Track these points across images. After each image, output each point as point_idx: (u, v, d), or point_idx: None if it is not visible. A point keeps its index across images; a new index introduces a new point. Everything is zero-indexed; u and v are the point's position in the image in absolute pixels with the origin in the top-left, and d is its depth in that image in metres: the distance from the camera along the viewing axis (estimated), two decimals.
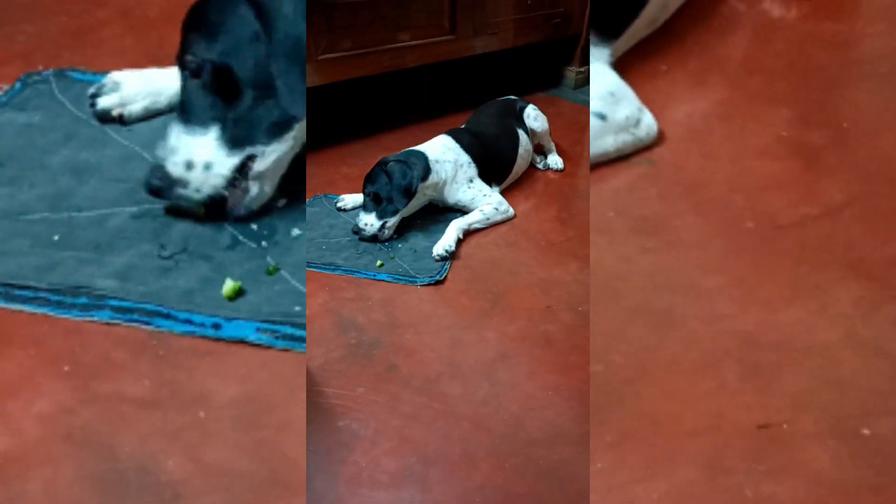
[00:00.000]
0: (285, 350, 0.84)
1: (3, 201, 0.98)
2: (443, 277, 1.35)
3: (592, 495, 0.72)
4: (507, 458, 0.92)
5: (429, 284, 1.33)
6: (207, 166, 0.93)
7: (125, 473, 0.73)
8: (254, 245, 0.95)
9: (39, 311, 0.86)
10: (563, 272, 1.38)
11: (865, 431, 0.74)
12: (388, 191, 1.41)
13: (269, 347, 0.84)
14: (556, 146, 1.99)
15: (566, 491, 0.87)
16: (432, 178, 1.51)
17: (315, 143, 1.92)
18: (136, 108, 1.10)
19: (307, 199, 1.64)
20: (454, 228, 1.48)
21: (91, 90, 1.11)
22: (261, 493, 0.72)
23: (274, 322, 0.86)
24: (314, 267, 1.37)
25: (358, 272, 1.36)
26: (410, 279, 1.34)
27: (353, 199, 1.63)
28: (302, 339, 0.86)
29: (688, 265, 0.86)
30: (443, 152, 1.56)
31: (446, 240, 1.44)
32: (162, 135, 0.98)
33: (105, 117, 1.10)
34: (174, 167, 0.92)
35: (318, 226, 1.54)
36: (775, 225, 0.91)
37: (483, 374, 1.08)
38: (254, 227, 0.98)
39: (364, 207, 1.46)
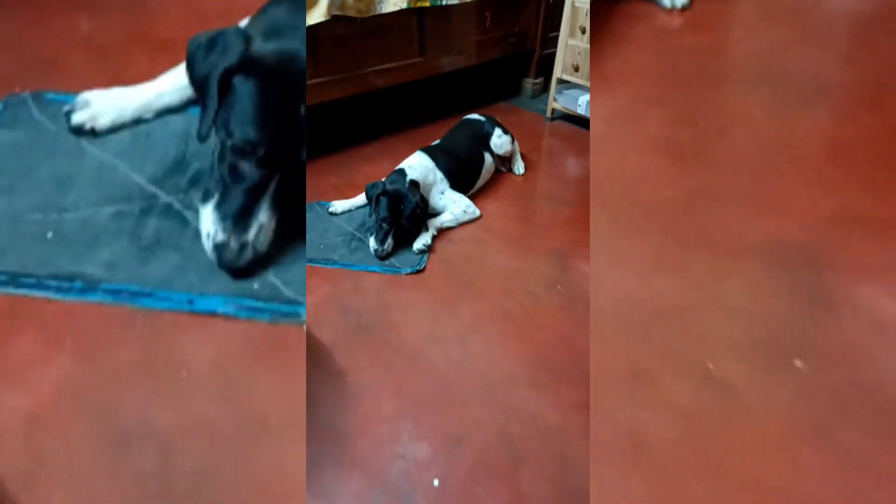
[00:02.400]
0: (249, 319, 0.97)
1: (3, 207, 1.10)
2: (423, 267, 1.64)
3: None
4: (475, 397, 1.23)
5: (411, 273, 1.62)
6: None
7: (125, 425, 0.85)
8: None
9: (42, 294, 0.98)
10: (519, 261, 1.69)
11: (712, 369, 0.86)
12: (397, 219, 1.65)
13: (234, 318, 0.97)
14: (518, 149, 2.28)
15: (520, 417, 1.18)
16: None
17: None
18: (104, 121, 1.22)
19: None
20: (430, 228, 1.78)
21: (65, 108, 1.22)
22: (238, 437, 0.84)
23: (237, 296, 0.99)
24: (315, 263, 1.64)
25: (352, 266, 1.64)
26: (396, 269, 1.63)
27: (342, 205, 1.91)
28: (259, 310, 0.98)
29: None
30: (423, 172, 1.83)
31: (424, 237, 1.73)
32: (129, 145, 1.13)
33: (79, 131, 1.21)
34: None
35: (314, 229, 1.81)
36: (644, 208, 1.04)
37: (458, 341, 1.38)
38: None
39: (377, 234, 1.65)
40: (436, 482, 1.04)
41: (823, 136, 1.15)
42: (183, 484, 0.81)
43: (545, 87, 2.95)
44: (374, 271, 1.63)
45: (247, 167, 0.99)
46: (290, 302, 1.00)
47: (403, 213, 1.67)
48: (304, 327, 0.99)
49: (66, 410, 0.86)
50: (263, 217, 1.01)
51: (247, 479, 0.82)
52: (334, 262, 1.64)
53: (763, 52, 1.31)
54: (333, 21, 1.92)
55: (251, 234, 1.00)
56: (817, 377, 0.84)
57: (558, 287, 1.57)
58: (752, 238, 1.00)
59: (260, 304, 0.99)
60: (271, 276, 1.02)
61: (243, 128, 0.97)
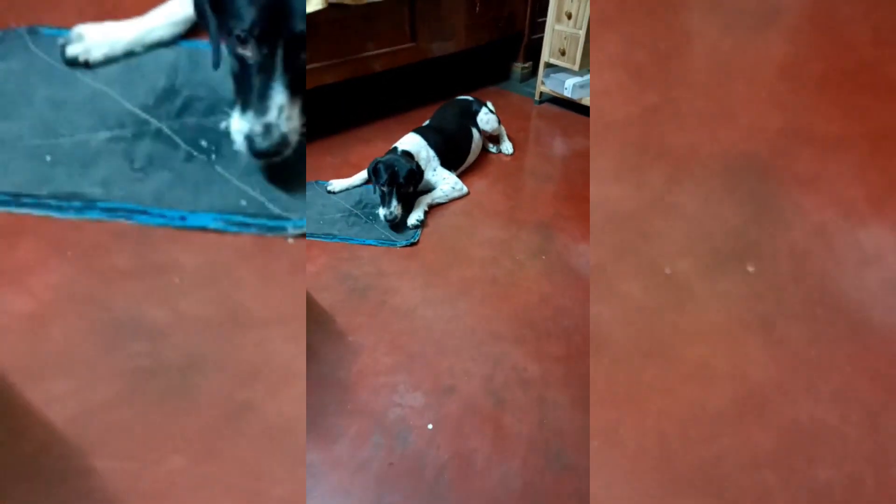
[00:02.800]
0: (237, 234, 1.03)
1: (3, 132, 1.14)
2: (416, 240, 1.75)
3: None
4: (464, 351, 1.34)
5: (406, 246, 1.73)
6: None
7: (121, 322, 0.90)
8: (204, 158, 1.13)
9: (43, 213, 1.03)
10: (505, 232, 1.80)
11: (667, 270, 0.91)
12: (395, 181, 1.77)
13: (224, 232, 1.03)
14: (506, 131, 2.38)
15: (504, 367, 1.30)
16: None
17: None
18: (97, 54, 1.27)
19: None
20: (422, 203, 1.88)
21: (60, 41, 1.27)
22: (224, 330, 0.91)
23: (226, 212, 1.06)
24: (315, 237, 1.74)
25: (350, 239, 1.74)
26: (391, 242, 1.73)
27: (340, 184, 2.01)
28: (247, 225, 1.04)
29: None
30: (415, 149, 1.94)
31: (416, 212, 1.84)
32: (122, 76, 1.20)
33: (73, 63, 1.25)
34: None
35: (313, 205, 1.91)
36: (605, 122, 1.08)
37: (448, 303, 1.49)
38: (203, 143, 1.15)
39: (382, 201, 1.80)
40: (430, 426, 1.16)
41: (775, 58, 1.22)
42: (174, 370, 0.88)
43: (533, 72, 3.04)
44: (370, 244, 1.73)
45: (249, 52, 1.05)
46: (275, 217, 1.07)
47: (399, 175, 1.78)
48: (290, 239, 1.04)
49: (65, 310, 0.90)
50: (279, 98, 1.06)
51: (235, 365, 0.88)
52: (333, 237, 1.75)
53: None
54: (329, 8, 2.00)
55: (272, 115, 1.06)
56: (764, 276, 0.90)
57: (542, 257, 1.68)
58: (706, 150, 1.06)
59: (247, 220, 1.06)
60: (258, 194, 1.10)
61: (238, 18, 1.04)
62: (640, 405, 0.83)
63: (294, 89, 1.09)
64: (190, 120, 1.20)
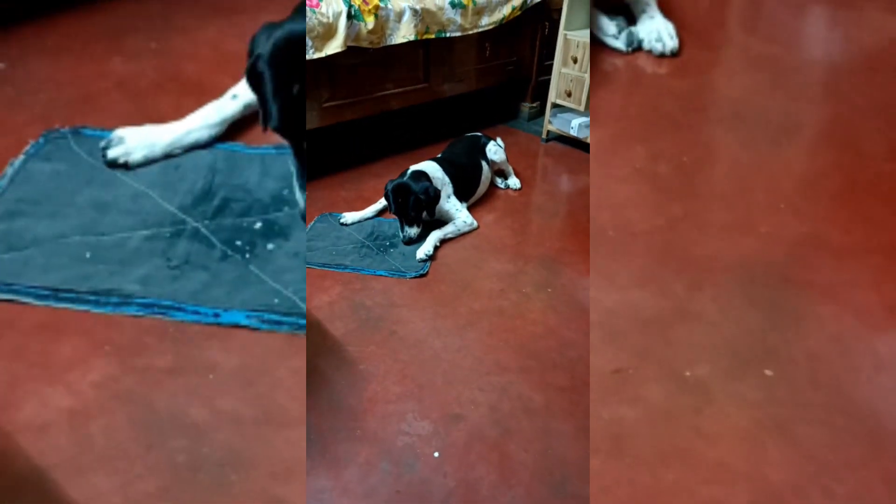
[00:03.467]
0: (270, 332, 1.08)
1: (46, 230, 1.21)
2: (426, 272, 1.81)
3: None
4: (471, 381, 1.38)
5: (415, 277, 1.79)
6: None
7: (161, 419, 0.95)
8: (239, 257, 1.19)
9: (82, 308, 1.08)
10: (512, 266, 1.86)
11: (687, 374, 0.94)
12: (405, 211, 1.90)
13: (256, 329, 1.08)
14: (514, 169, 2.47)
15: (509, 397, 1.34)
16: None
17: (319, 172, 2.39)
18: (137, 156, 1.34)
19: (315, 217, 2.10)
20: (432, 238, 1.95)
21: (102, 144, 1.34)
22: (260, 428, 0.95)
23: (259, 310, 1.10)
24: (328, 267, 1.81)
25: (362, 270, 1.81)
26: (402, 273, 1.80)
27: (352, 216, 2.09)
28: (280, 323, 1.09)
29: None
30: (431, 171, 2.04)
31: (426, 246, 1.91)
32: (160, 177, 1.28)
33: (114, 164, 1.33)
34: None
35: (327, 238, 1.99)
36: (630, 232, 1.14)
37: (457, 334, 1.54)
38: (238, 243, 1.21)
39: (400, 225, 1.94)
40: (436, 454, 1.19)
41: (794, 171, 1.27)
42: (212, 466, 0.92)
43: (541, 111, 3.15)
44: (381, 275, 1.79)
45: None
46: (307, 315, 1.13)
47: (409, 203, 1.89)
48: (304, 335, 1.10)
49: (106, 407, 0.95)
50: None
51: (270, 462, 0.92)
52: (345, 267, 1.81)
53: (741, 96, 1.44)
54: (348, 51, 2.13)
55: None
56: (782, 381, 0.93)
57: (548, 290, 1.73)
58: (727, 259, 1.11)
59: (279, 318, 1.10)
60: (290, 293, 1.15)
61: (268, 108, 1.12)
62: None
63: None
64: (226, 220, 1.25)
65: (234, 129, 1.43)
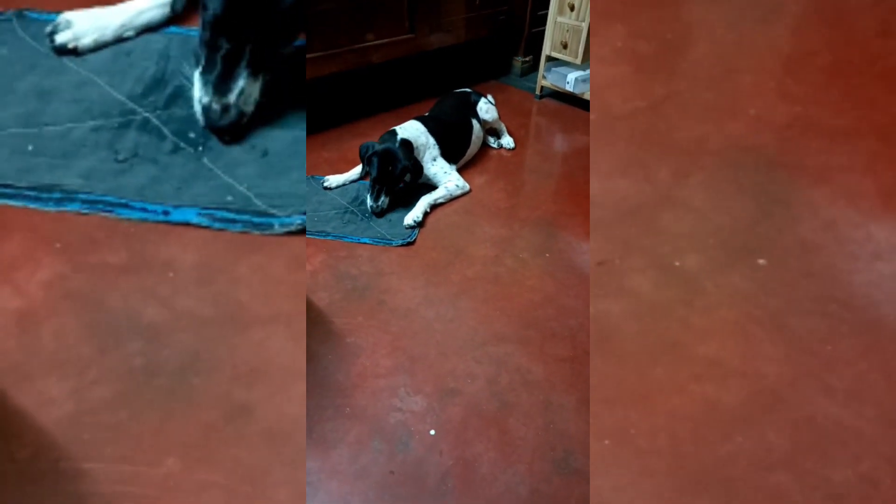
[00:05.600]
0: (221, 230, 1.00)
1: None
2: (413, 240, 1.71)
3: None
4: (467, 353, 1.30)
5: (402, 246, 1.68)
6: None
7: (116, 320, 0.88)
8: (191, 150, 1.10)
9: (21, 204, 1.01)
10: (507, 230, 1.77)
11: (676, 264, 0.90)
12: (388, 180, 1.77)
13: (208, 228, 1.00)
14: (506, 127, 2.35)
15: (508, 369, 1.27)
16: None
17: None
18: (87, 41, 1.24)
19: None
20: (422, 203, 1.84)
21: (48, 28, 1.24)
22: (221, 329, 0.88)
23: (211, 208, 1.02)
24: (309, 234, 1.70)
25: (345, 237, 1.70)
26: (387, 241, 1.69)
27: (335, 179, 1.96)
28: (233, 221, 1.01)
29: None
30: (415, 134, 1.90)
31: (415, 212, 1.79)
32: (110, 64, 1.18)
33: (62, 50, 1.23)
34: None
35: (308, 202, 1.86)
36: (612, 115, 1.08)
37: (449, 303, 1.46)
38: (191, 135, 1.12)
39: (371, 192, 1.79)
40: (432, 432, 1.12)
41: (781, 50, 1.21)
42: (171, 371, 0.85)
43: (534, 66, 3.00)
44: (365, 243, 1.69)
45: (221, 39, 1.05)
46: (262, 214, 1.03)
47: (394, 173, 1.75)
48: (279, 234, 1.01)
49: (56, 308, 0.88)
50: (243, 82, 1.07)
51: (233, 365, 0.86)
52: (327, 234, 1.70)
53: None
54: None
55: (232, 96, 1.07)
56: (775, 271, 0.90)
57: (545, 255, 1.65)
58: (713, 143, 1.05)
59: (233, 216, 1.02)
60: (244, 189, 1.06)
61: (203, 7, 1.03)
62: (651, 404, 0.80)
63: (256, 69, 1.08)
64: (178, 111, 1.16)
65: (190, 8, 1.30)
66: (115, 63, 1.24)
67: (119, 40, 1.27)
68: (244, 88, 1.08)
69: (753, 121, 1.09)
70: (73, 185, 1.04)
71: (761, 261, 0.91)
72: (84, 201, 1.03)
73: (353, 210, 1.83)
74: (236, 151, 1.10)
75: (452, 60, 2.85)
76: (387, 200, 1.80)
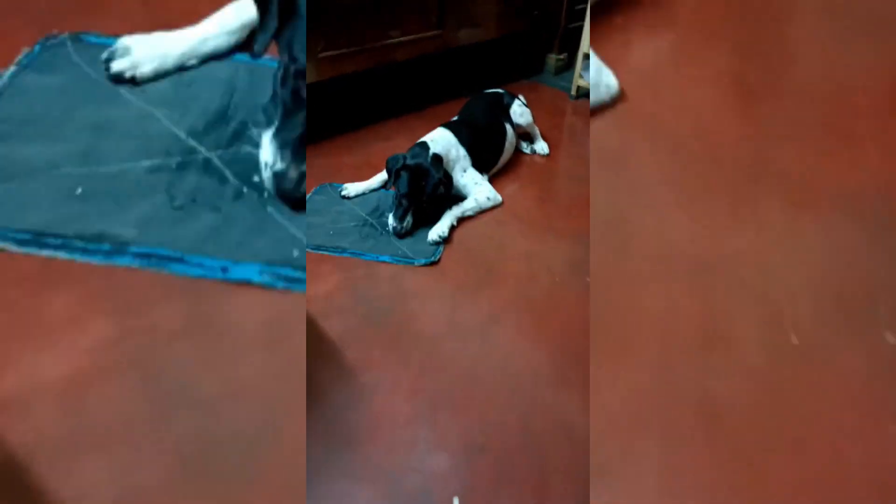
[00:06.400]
0: (285, 291, 0.91)
1: (35, 157, 1.02)
2: (437, 259, 1.53)
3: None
4: (498, 397, 1.12)
5: (425, 265, 1.51)
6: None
7: (169, 391, 0.80)
8: (256, 196, 1.01)
9: (68, 256, 0.91)
10: (542, 245, 1.57)
11: (794, 341, 0.80)
12: (418, 197, 1.57)
13: (271, 288, 0.91)
14: (539, 129, 2.15)
15: (546, 419, 1.08)
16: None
17: (317, 135, 2.08)
18: (146, 69, 1.16)
19: (313, 188, 1.82)
20: (448, 217, 1.65)
21: (104, 55, 1.16)
22: (285, 403, 0.80)
23: (275, 264, 0.93)
24: (323, 250, 1.54)
25: (363, 255, 1.53)
26: (409, 260, 1.52)
27: (355, 188, 1.80)
28: (298, 280, 0.91)
29: (645, 183, 0.93)
30: (446, 147, 1.72)
31: (440, 226, 1.61)
32: (170, 95, 1.10)
33: (118, 79, 1.15)
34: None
35: (326, 213, 1.70)
36: (713, 150, 0.98)
37: (478, 333, 1.27)
38: (256, 179, 1.03)
39: (396, 211, 1.59)
40: (455, 500, 0.95)
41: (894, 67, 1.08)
42: (229, 448, 0.76)
43: (569, 64, 2.79)
44: (384, 261, 1.52)
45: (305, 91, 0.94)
46: None
47: (425, 191, 1.57)
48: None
49: (104, 378, 0.81)
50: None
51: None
52: (344, 251, 1.54)
53: None
54: None
55: (305, 165, 0.97)
56: None
57: (587, 279, 1.45)
58: (831, 183, 0.92)
59: (298, 274, 0.92)
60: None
61: (303, 50, 0.93)
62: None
63: None
64: (243, 149, 1.05)
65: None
66: (176, 94, 1.14)
67: (180, 69, 1.17)
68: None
69: (870, 148, 0.96)
70: (125, 236, 0.95)
71: (890, 338, 0.77)
72: (136, 255, 0.93)
73: (372, 223, 1.66)
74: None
75: (481, 58, 2.67)
76: (411, 221, 1.60)
